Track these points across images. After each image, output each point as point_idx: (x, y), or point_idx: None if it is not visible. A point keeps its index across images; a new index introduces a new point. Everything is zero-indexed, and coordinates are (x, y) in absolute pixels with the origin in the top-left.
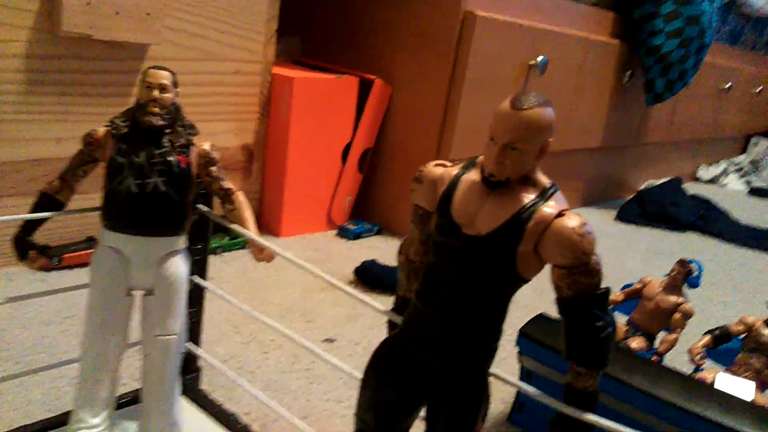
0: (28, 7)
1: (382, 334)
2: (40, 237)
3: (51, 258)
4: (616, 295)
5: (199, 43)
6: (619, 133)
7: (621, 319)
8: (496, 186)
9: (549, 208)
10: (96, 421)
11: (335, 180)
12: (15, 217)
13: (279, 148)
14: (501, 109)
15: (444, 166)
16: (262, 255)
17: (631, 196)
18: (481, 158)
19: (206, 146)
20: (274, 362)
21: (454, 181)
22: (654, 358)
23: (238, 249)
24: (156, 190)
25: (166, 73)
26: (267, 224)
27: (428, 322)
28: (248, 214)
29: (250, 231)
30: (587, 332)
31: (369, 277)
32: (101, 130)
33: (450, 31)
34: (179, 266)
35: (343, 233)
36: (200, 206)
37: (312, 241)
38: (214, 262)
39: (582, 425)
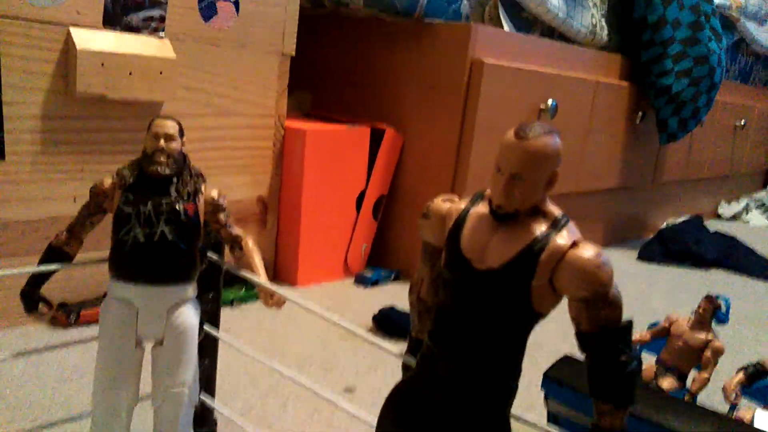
0: (43, 69)
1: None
2: (58, 294)
3: (69, 314)
4: (643, 334)
5: (212, 99)
6: (635, 173)
7: (650, 359)
8: (505, 218)
9: (562, 239)
10: None
11: (350, 228)
12: (21, 270)
13: (293, 198)
14: (506, 140)
15: (451, 201)
16: (272, 300)
17: (652, 236)
18: (488, 191)
19: (214, 193)
20: (292, 415)
21: (463, 216)
22: (687, 397)
23: (254, 301)
24: (163, 238)
25: (172, 123)
26: (283, 274)
27: (441, 362)
28: (258, 260)
29: (260, 277)
30: (610, 367)
31: (388, 323)
32: (108, 181)
33: (458, 79)
34: (189, 315)
35: (361, 281)
36: (210, 254)
37: (329, 290)
38: (230, 314)
39: None
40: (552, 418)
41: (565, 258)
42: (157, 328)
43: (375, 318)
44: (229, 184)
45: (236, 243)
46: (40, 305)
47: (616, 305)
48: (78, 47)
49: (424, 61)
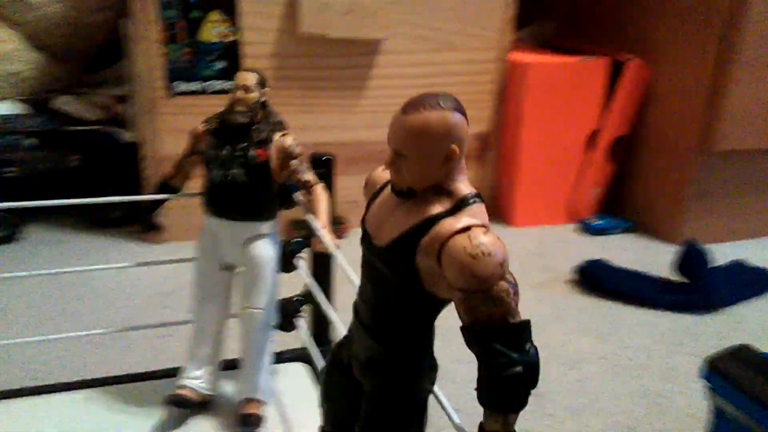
0: (274, 11)
1: (582, 337)
2: None
3: None
4: None
5: (431, 34)
6: None
7: None
8: (403, 195)
9: (453, 222)
10: (198, 373)
11: (578, 170)
12: (138, 198)
13: (513, 136)
14: (395, 114)
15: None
16: (319, 246)
17: None
18: None
19: (287, 141)
20: (456, 349)
21: (381, 188)
22: None
23: None
24: (234, 180)
25: (250, 75)
26: (501, 213)
27: (357, 334)
28: (322, 207)
29: (319, 222)
30: (487, 368)
31: (591, 277)
32: (201, 127)
33: (720, 3)
34: (263, 249)
35: (585, 227)
36: (296, 195)
37: (546, 233)
38: None
39: None
40: (718, 413)
41: (446, 244)
42: (236, 256)
43: (580, 268)
44: None
45: (306, 188)
46: (151, 228)
47: (498, 303)
48: None
49: None
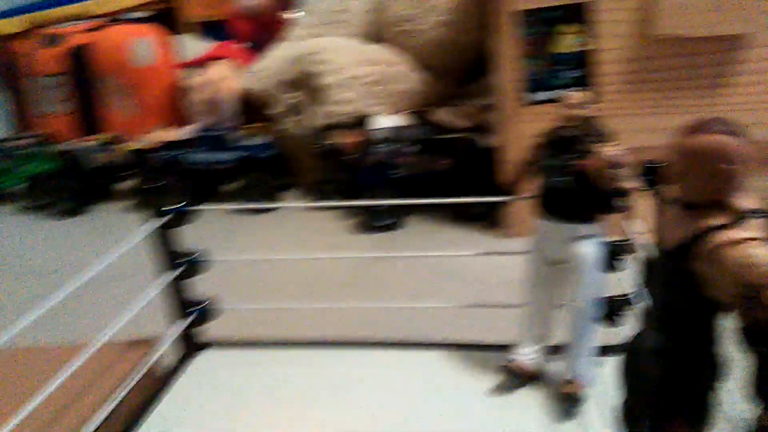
0: (629, 17)
1: None
2: None
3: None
4: None
5: None
6: None
7: None
8: (686, 207)
9: (728, 234)
10: (527, 351)
11: None
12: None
13: None
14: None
15: None
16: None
17: None
18: None
19: (610, 152)
20: None
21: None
22: None
23: None
24: (561, 187)
25: (576, 95)
26: None
27: (646, 326)
28: (637, 212)
29: (632, 226)
30: (757, 368)
31: None
32: (539, 139)
33: None
34: (585, 248)
35: None
36: (616, 201)
37: None
38: None
39: None
40: None
41: (722, 254)
42: (561, 254)
43: None
44: None
45: (624, 195)
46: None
47: None
48: None
49: None
